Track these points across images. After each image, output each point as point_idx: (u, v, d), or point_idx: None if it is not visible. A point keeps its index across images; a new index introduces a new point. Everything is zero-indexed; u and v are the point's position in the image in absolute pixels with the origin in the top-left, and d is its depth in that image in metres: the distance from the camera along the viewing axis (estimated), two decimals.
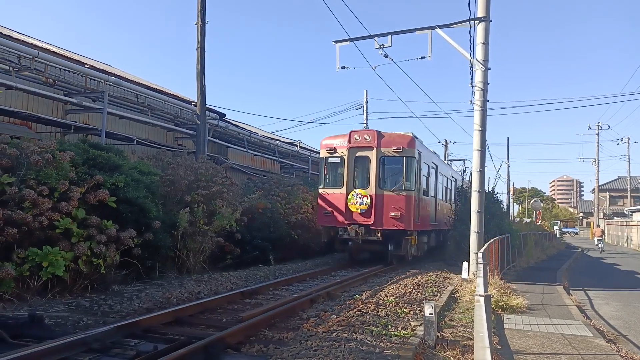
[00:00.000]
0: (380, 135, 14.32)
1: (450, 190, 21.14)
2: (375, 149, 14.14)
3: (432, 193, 16.81)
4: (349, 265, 14.45)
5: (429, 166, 16.18)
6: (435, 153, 18.56)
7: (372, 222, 13.80)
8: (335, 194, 14.52)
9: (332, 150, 14.75)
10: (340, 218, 14.23)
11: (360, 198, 14.01)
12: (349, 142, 14.48)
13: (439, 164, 18.18)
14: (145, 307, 7.57)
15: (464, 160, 37.67)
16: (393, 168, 14.28)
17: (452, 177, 21.92)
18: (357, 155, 14.39)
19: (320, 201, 14.88)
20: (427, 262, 16.52)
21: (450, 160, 31.36)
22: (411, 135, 14.51)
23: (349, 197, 14.18)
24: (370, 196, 13.94)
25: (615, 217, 57.60)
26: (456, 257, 16.53)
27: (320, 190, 15.00)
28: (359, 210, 14.01)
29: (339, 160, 14.66)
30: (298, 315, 7.49)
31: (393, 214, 13.60)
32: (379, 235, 13.68)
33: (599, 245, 32.53)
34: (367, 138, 14.33)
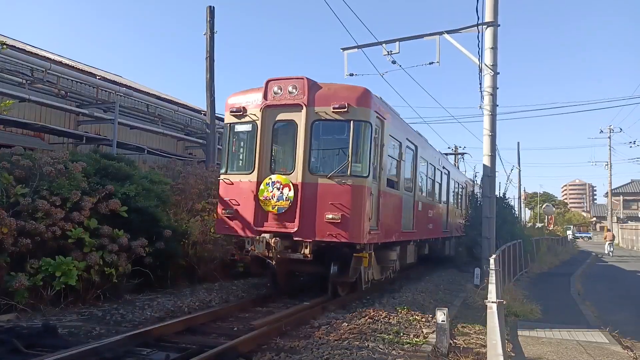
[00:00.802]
0: (313, 86, 9.06)
1: (442, 185, 16.03)
2: (305, 107, 8.85)
3: (406, 186, 11.52)
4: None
5: (401, 144, 10.95)
6: (421, 135, 13.60)
7: (295, 229, 8.57)
8: (241, 183, 9.26)
9: (240, 113, 9.46)
10: (245, 222, 9.05)
11: (278, 189, 8.79)
12: (265, 97, 9.23)
13: (420, 145, 12.87)
14: (157, 316, 7.60)
15: (462, 154, 29.10)
16: (333, 140, 9.28)
17: (444, 168, 16.51)
18: (277, 119, 9.22)
19: (220, 195, 9.60)
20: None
21: (447, 154, 25.26)
22: (364, 88, 9.14)
23: (262, 187, 8.94)
24: (295, 186, 8.69)
25: (629, 221, 56.84)
26: (468, 264, 16.42)
27: (221, 178, 9.66)
28: (275, 210, 8.77)
29: (249, 127, 9.47)
30: (309, 323, 7.46)
31: (331, 217, 8.38)
32: (307, 251, 8.47)
33: (610, 249, 33.97)
34: (293, 91, 9.04)
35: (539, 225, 43.94)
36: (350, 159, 8.62)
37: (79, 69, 15.82)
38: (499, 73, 13.36)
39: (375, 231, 9.14)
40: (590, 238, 69.49)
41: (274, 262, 8.78)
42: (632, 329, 9.07)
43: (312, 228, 8.56)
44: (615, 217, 57.29)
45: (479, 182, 22.25)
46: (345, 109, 8.68)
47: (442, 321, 6.30)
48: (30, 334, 5.97)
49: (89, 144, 14.08)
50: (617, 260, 29.05)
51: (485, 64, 13.25)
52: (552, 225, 43.40)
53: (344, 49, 15.19)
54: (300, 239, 8.57)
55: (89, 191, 8.64)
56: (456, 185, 19.20)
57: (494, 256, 8.74)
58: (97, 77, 15.77)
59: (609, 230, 41.47)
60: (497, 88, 13.44)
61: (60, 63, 14.92)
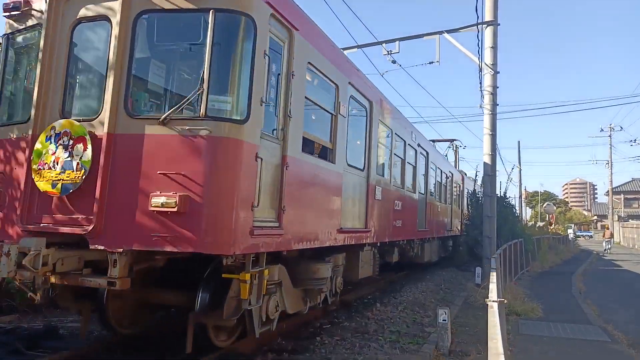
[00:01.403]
0: None
1: (417, 169, 12.06)
2: None
3: (351, 160, 7.31)
4: None
5: (338, 88, 6.70)
6: (394, 107, 10.21)
7: (92, 226, 4.27)
8: (10, 141, 5.06)
9: (19, 12, 5.21)
10: (11, 213, 4.81)
11: (65, 148, 4.50)
12: None
13: (378, 102, 8.58)
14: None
15: (452, 141, 23.81)
16: (178, 50, 5.19)
17: (420, 146, 12.57)
18: (78, 16, 4.87)
19: None
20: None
21: (434, 141, 19.83)
22: None
23: (38, 145, 4.66)
24: (97, 140, 4.44)
25: (630, 220, 56.83)
26: (469, 263, 16.44)
27: None
28: (57, 189, 4.48)
29: (33, 36, 5.22)
30: (312, 323, 7.46)
31: (162, 201, 4.19)
32: (117, 272, 4.31)
33: (608, 246, 35.35)
34: None
35: (540, 224, 43.96)
36: (207, 84, 4.37)
37: None
38: (499, 72, 13.36)
39: (273, 229, 5.05)
40: (591, 237, 69.47)
41: (37, 297, 4.43)
42: (633, 328, 9.07)
43: (128, 225, 4.32)
44: (616, 216, 57.27)
45: (474, 177, 21.52)
46: None
47: (443, 320, 6.31)
48: (32, 335, 5.99)
49: None
50: (618, 258, 29.08)
51: (485, 63, 13.24)
52: (553, 224, 43.45)
53: (343, 49, 15.19)
54: (102, 247, 4.33)
55: None
56: (439, 174, 15.45)
57: (494, 255, 8.74)
58: None
59: (608, 228, 41.95)
60: (497, 87, 13.44)
61: None
